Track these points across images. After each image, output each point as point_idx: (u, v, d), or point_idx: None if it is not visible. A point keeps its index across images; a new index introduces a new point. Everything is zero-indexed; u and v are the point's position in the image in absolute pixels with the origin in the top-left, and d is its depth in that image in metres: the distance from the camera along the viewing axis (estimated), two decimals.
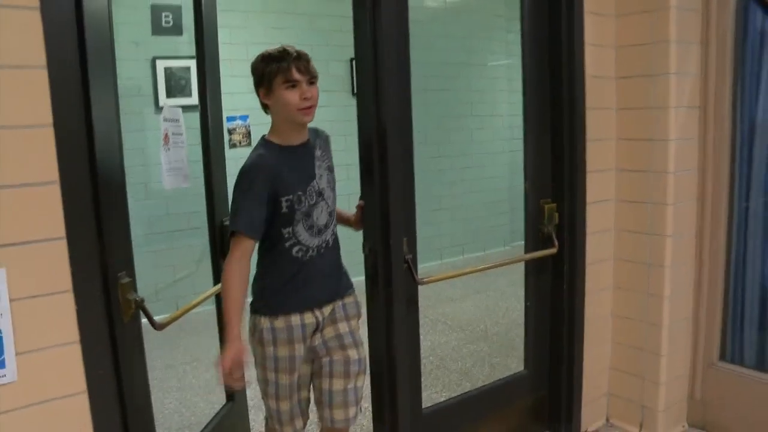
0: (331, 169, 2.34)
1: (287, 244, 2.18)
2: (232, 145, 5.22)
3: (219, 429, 2.77)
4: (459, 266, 3.09)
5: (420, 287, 2.64)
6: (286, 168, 2.16)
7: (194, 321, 2.97)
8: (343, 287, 2.37)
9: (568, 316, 3.15)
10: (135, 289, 1.99)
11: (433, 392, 3.81)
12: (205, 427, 2.71)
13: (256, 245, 2.17)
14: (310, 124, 2.27)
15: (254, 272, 2.26)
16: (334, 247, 2.34)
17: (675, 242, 3.08)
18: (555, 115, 3.03)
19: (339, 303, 2.33)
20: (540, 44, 3.02)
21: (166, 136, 2.42)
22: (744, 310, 3.26)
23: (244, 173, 2.11)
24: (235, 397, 2.95)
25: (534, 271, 3.14)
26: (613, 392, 3.41)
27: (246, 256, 2.11)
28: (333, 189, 2.33)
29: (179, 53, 4.86)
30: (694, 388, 3.35)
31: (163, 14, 4.61)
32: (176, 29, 4.69)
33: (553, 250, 3.00)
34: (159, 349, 4.28)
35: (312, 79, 2.15)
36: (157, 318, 2.07)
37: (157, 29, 4.65)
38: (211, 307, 2.81)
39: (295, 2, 5.57)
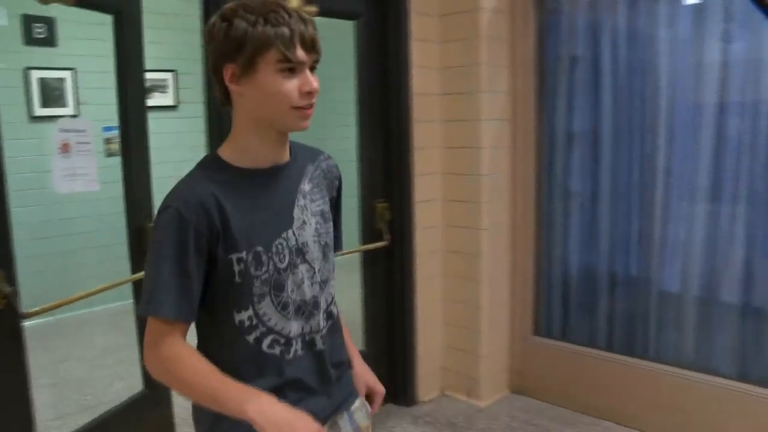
0: (325, 217, 1.56)
1: (251, 337, 1.42)
2: (110, 155, 5.34)
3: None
4: None
5: None
6: (240, 205, 1.39)
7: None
8: (350, 389, 1.64)
9: (402, 301, 3.65)
10: (9, 282, 2.17)
11: None
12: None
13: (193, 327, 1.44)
14: (304, 138, 1.55)
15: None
16: (333, 331, 1.58)
17: (490, 235, 3.62)
18: (386, 128, 3.51)
19: (344, 415, 1.60)
20: (373, 66, 3.48)
21: (65, 144, 2.61)
22: (551, 291, 3.83)
23: (161, 215, 1.34)
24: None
25: (369, 263, 3.61)
26: (446, 366, 3.92)
27: (176, 343, 1.36)
28: (326, 246, 1.55)
29: (54, 65, 5.03)
30: (513, 359, 3.92)
31: (35, 25, 4.79)
32: (49, 41, 4.87)
33: (384, 243, 3.47)
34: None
35: (315, 64, 1.40)
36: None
37: (30, 40, 4.81)
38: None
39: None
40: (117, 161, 2.85)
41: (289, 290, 1.44)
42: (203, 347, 1.46)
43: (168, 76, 5.83)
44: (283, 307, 1.44)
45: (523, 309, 3.85)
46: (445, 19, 3.59)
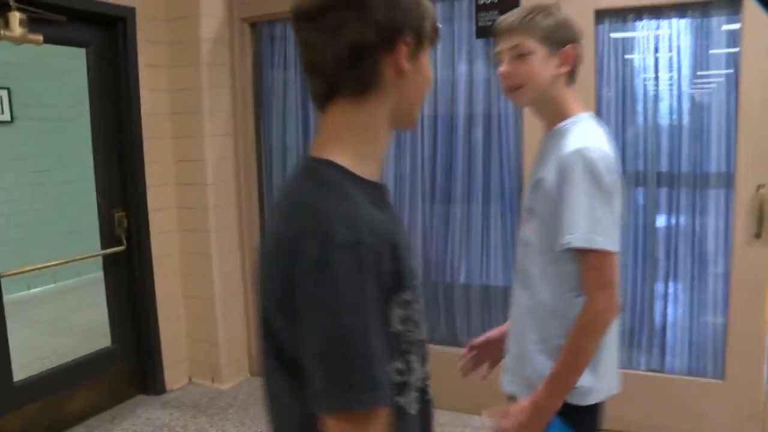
0: None
1: (405, 400, 1.11)
2: None
3: None
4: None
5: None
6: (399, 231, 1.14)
7: None
8: None
9: (143, 300, 4.04)
10: None
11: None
12: None
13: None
14: None
15: None
16: None
17: (218, 237, 4.14)
18: (121, 144, 3.91)
19: None
20: (105, 89, 3.86)
21: None
22: None
23: (348, 253, 0.95)
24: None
25: (111, 266, 3.97)
26: (192, 356, 4.36)
27: None
28: None
29: None
30: (251, 346, 4.45)
31: None
32: None
33: (122, 248, 3.87)
34: None
35: None
36: None
37: None
38: None
39: None
40: None
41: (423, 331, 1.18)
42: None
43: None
44: (421, 357, 1.17)
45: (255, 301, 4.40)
46: (171, 47, 4.06)
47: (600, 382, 1.73)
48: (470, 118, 3.75)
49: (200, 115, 4.02)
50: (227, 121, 4.18)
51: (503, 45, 1.73)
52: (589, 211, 1.59)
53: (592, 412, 1.76)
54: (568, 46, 1.71)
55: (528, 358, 1.76)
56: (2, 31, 3.13)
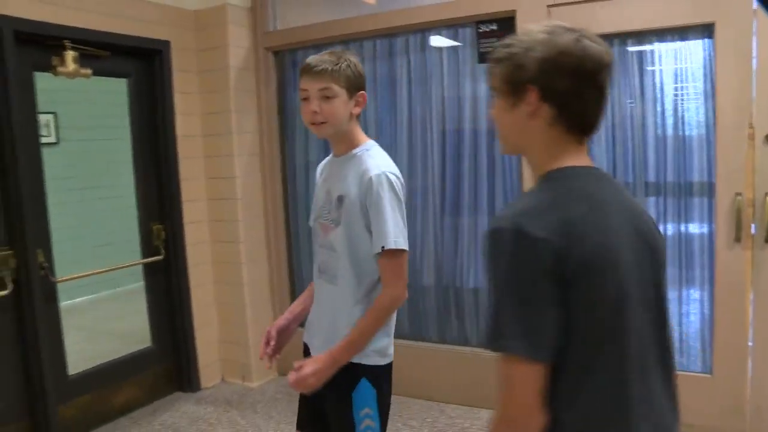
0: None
1: None
2: None
3: None
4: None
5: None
6: None
7: None
8: None
9: (180, 306, 4.44)
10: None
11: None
12: None
13: None
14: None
15: None
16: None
17: (247, 247, 4.53)
18: (158, 163, 4.32)
19: None
20: (144, 115, 4.28)
21: None
22: (303, 289, 4.78)
23: None
24: None
25: (150, 274, 4.38)
26: (224, 357, 4.74)
27: None
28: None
29: None
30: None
31: None
32: None
33: (160, 257, 4.28)
34: None
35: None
36: None
37: None
38: None
39: None
40: None
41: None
42: None
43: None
44: None
45: (281, 306, 4.77)
46: (202, 75, 4.48)
47: (391, 346, 2.23)
48: (475, 135, 4.09)
49: (229, 136, 4.42)
50: (254, 141, 4.58)
51: (312, 85, 2.09)
52: (394, 220, 2.06)
53: (389, 370, 2.24)
54: (362, 92, 2.16)
55: (338, 337, 2.14)
56: (59, 68, 3.58)
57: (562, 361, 1.25)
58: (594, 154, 3.71)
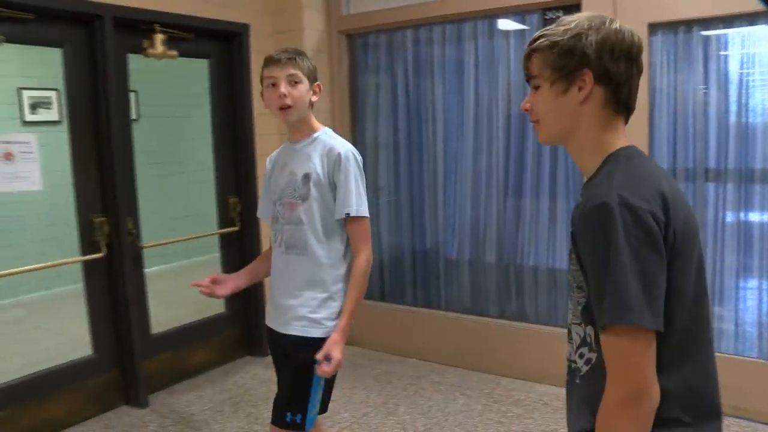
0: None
1: None
2: None
3: None
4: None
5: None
6: None
7: None
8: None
9: None
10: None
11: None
12: None
13: None
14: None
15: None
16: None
17: None
18: (236, 140, 4.59)
19: None
20: (224, 94, 4.55)
21: (9, 154, 3.37)
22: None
23: None
24: None
25: (226, 245, 4.68)
26: None
27: None
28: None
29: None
30: None
31: None
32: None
33: (236, 228, 4.57)
34: None
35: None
36: None
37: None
38: None
39: None
40: None
41: None
42: None
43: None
44: None
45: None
46: None
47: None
48: None
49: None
50: (326, 119, 4.79)
51: (281, 72, 2.32)
52: (357, 192, 2.34)
53: None
54: (318, 82, 2.44)
55: (307, 303, 2.37)
56: (149, 50, 3.87)
57: (666, 329, 1.28)
58: (654, 138, 3.81)
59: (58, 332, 4.18)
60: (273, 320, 2.52)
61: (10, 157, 3.41)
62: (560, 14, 3.91)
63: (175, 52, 4.03)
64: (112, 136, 3.76)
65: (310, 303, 2.37)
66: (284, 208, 2.43)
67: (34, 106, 5.55)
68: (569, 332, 1.47)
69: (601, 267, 1.26)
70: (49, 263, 3.64)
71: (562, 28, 1.41)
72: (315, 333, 2.36)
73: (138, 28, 3.90)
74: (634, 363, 1.25)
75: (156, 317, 4.24)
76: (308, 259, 2.37)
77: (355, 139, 4.90)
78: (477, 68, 4.39)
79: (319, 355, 2.27)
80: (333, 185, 2.35)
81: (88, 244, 3.80)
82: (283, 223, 2.44)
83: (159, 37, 3.90)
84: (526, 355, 4.29)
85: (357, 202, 2.33)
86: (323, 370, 2.27)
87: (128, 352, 3.93)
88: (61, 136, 3.78)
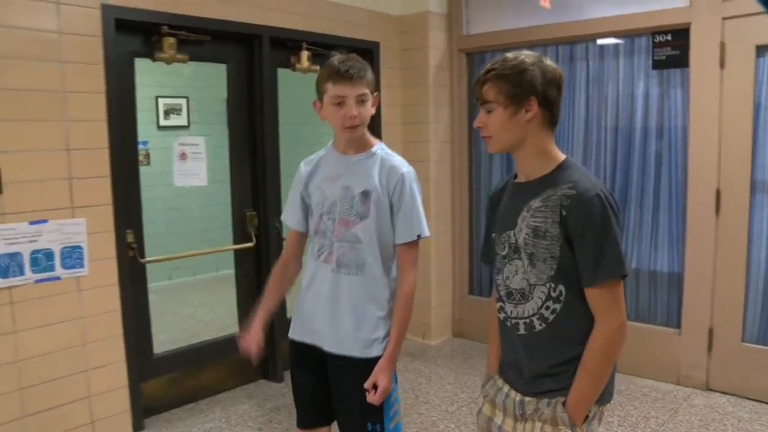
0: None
1: None
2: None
3: None
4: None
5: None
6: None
7: None
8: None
9: None
10: (137, 239, 3.73)
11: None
12: None
13: None
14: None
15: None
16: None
17: (436, 222, 5.20)
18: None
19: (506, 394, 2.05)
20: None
21: (183, 154, 3.93)
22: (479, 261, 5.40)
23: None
24: None
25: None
26: None
27: None
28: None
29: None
30: (454, 311, 5.48)
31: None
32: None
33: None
34: None
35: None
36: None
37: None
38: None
39: None
40: (143, 170, 3.90)
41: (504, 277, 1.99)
42: None
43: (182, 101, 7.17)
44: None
45: (461, 275, 5.43)
46: (405, 71, 5.21)
47: None
48: (645, 133, 4.50)
49: (426, 125, 5.12)
50: (446, 130, 5.25)
51: (351, 92, 2.18)
52: (420, 212, 2.28)
53: None
54: (376, 93, 2.30)
55: (368, 323, 2.29)
56: (296, 65, 4.42)
57: None
58: (757, 151, 4.01)
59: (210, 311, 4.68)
60: (308, 335, 2.42)
61: (185, 156, 3.98)
62: (668, 38, 4.20)
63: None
64: (265, 141, 4.31)
65: (368, 323, 2.30)
66: (336, 224, 2.31)
67: (167, 113, 6.19)
68: (522, 295, 1.89)
69: (601, 238, 1.74)
70: (209, 249, 4.18)
71: (510, 63, 1.83)
72: (375, 353, 2.29)
73: (286, 46, 4.45)
74: (621, 301, 1.80)
75: (290, 302, 4.71)
76: (364, 278, 2.29)
77: (471, 147, 5.32)
78: (588, 85, 4.71)
79: (366, 384, 2.24)
80: (391, 205, 2.27)
81: (240, 234, 4.37)
82: (333, 240, 2.32)
83: (305, 54, 4.44)
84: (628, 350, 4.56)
85: (424, 224, 2.29)
86: (371, 398, 2.23)
87: (270, 334, 4.43)
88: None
